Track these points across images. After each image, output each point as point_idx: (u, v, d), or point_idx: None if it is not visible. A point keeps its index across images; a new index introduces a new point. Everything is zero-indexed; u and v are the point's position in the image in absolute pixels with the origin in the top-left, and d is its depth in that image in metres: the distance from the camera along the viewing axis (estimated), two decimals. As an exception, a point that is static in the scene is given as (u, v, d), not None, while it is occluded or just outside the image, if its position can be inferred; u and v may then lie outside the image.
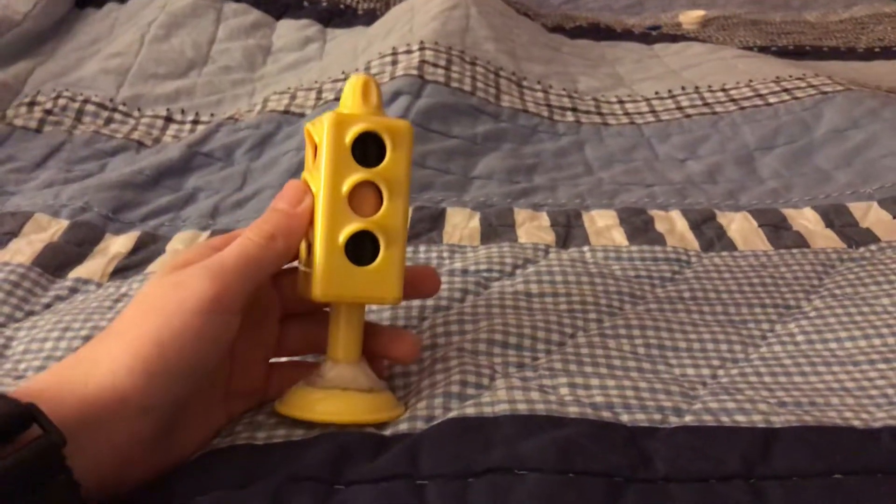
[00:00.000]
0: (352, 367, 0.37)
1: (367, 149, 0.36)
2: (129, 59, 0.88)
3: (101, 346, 0.32)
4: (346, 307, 0.37)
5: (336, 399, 0.36)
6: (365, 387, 0.37)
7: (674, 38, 1.06)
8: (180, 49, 0.90)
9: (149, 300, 0.33)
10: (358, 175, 0.36)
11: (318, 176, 0.36)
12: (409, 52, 0.79)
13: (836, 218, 0.59)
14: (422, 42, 0.80)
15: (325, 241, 0.35)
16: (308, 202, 0.36)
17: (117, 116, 0.78)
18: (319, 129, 0.36)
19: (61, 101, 0.78)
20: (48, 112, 0.77)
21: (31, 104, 0.78)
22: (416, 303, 0.46)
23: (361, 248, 0.36)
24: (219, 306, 0.33)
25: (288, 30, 0.98)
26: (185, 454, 0.34)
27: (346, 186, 0.36)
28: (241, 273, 0.34)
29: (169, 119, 0.79)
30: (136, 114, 0.79)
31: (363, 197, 0.36)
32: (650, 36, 1.06)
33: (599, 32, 1.05)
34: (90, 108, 0.78)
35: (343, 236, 0.35)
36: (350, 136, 0.36)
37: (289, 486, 0.32)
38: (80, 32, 0.95)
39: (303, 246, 0.37)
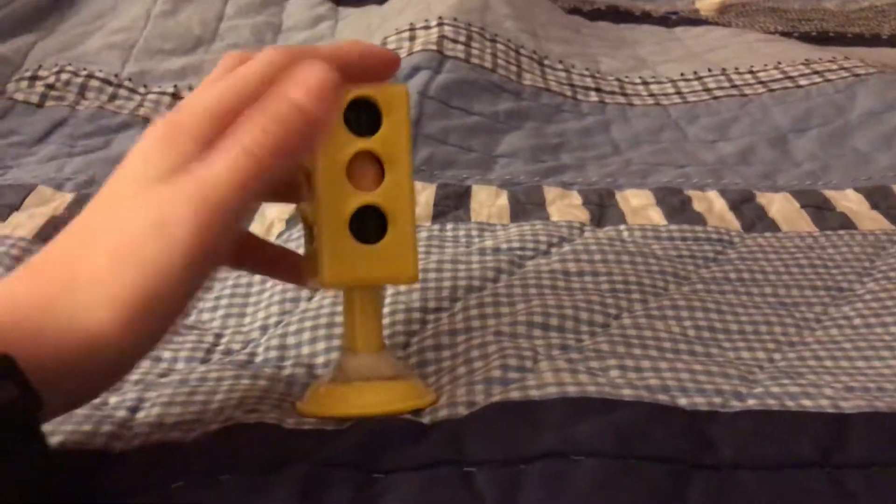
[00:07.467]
0: (373, 357, 0.34)
1: (361, 117, 0.32)
2: (135, 35, 0.85)
3: (73, 294, 0.27)
4: (359, 292, 0.33)
5: (361, 391, 0.33)
6: (389, 375, 0.33)
7: (693, 22, 1.03)
8: (187, 25, 0.87)
9: (127, 243, 0.27)
10: (355, 145, 0.32)
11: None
12: (427, 27, 0.76)
13: (881, 200, 0.56)
14: (440, 17, 0.77)
15: (329, 221, 0.32)
16: (330, 99, 0.29)
17: (122, 92, 0.75)
18: None
19: (64, 76, 0.75)
20: (50, 87, 0.74)
21: (33, 78, 0.75)
22: (446, 283, 0.43)
23: (366, 226, 0.32)
24: (209, 253, 0.28)
25: (298, 7, 0.94)
26: None
27: (343, 159, 0.32)
28: (233, 205, 0.27)
29: (176, 96, 0.76)
30: (141, 90, 0.76)
31: (362, 170, 0.32)
32: (670, 19, 1.03)
33: (618, 15, 1.02)
34: (94, 83, 0.75)
35: (347, 213, 0.32)
36: (342, 103, 0.32)
37: (322, 473, 0.29)
38: (84, 6, 0.92)
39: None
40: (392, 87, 0.33)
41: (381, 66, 0.32)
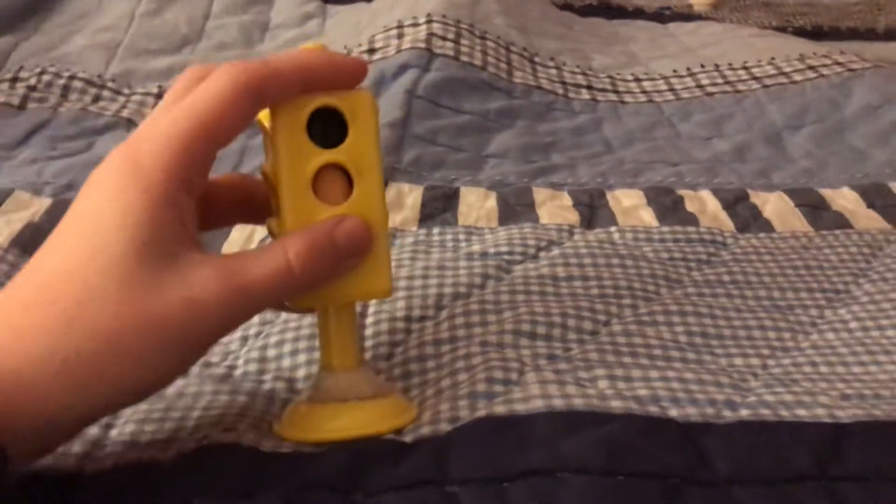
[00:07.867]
0: (350, 375, 0.32)
1: (326, 127, 0.31)
2: (119, 34, 0.83)
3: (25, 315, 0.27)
4: (333, 310, 0.32)
5: (338, 413, 0.32)
6: (367, 394, 0.32)
7: (687, 18, 1.02)
8: (174, 24, 0.86)
9: (64, 267, 0.28)
10: (320, 158, 0.31)
11: (273, 166, 0.31)
12: (415, 24, 0.75)
13: (878, 198, 0.55)
14: (429, 14, 0.76)
15: None
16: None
17: (106, 94, 0.74)
18: (269, 113, 0.31)
19: (46, 78, 0.74)
20: (31, 88, 0.72)
21: (14, 80, 0.73)
22: (432, 290, 0.42)
23: None
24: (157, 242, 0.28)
25: (286, 5, 0.93)
26: None
27: (308, 172, 0.30)
28: (184, 169, 0.28)
29: (161, 97, 0.74)
30: (126, 91, 0.75)
31: (330, 183, 0.31)
32: (663, 15, 1.02)
33: (611, 11, 1.01)
34: (77, 84, 0.74)
35: None
36: (304, 114, 0.30)
37: (299, 497, 0.28)
38: (68, 5, 0.90)
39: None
40: (356, 94, 0.31)
41: (346, 75, 0.31)
